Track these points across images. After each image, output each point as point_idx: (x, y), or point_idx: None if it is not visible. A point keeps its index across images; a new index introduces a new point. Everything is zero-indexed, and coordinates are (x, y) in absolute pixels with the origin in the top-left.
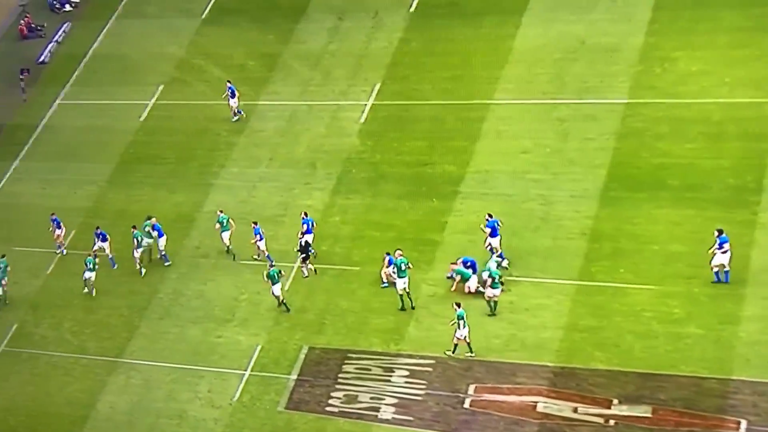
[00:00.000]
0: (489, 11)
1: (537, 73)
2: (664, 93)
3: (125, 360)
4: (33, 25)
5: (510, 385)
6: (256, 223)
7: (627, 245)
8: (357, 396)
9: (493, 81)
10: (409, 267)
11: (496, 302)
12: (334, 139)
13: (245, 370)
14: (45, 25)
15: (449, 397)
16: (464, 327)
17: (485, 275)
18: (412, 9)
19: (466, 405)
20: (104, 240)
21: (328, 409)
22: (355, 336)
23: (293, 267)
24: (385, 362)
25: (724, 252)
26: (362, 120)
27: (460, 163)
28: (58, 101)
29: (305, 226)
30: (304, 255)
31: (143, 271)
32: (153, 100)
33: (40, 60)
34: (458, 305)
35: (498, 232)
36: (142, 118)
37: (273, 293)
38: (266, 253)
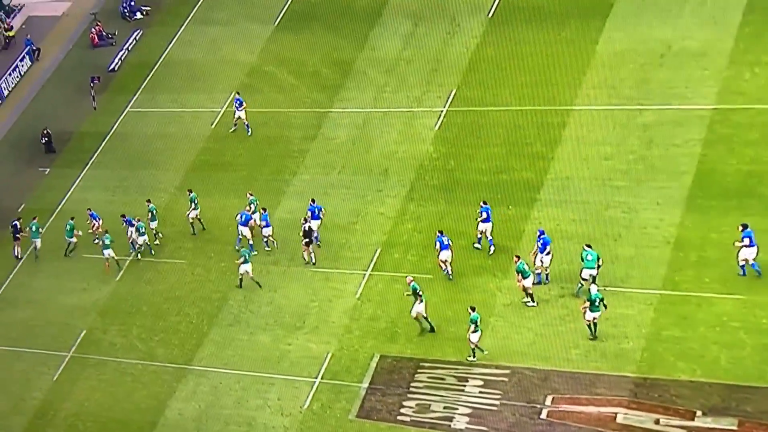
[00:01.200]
0: (571, 15)
1: (621, 78)
2: (753, 98)
3: (194, 367)
4: (104, 33)
5: (589, 396)
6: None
7: (713, 254)
8: (430, 405)
9: (574, 86)
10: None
11: (596, 324)
12: (408, 145)
13: (316, 378)
14: (116, 33)
15: (525, 407)
16: (476, 331)
17: (588, 296)
18: (491, 14)
19: (543, 416)
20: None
21: (399, 418)
22: (428, 345)
23: (365, 275)
24: (459, 372)
25: (750, 246)
26: (437, 126)
27: (538, 170)
28: (128, 109)
29: (310, 213)
30: (307, 240)
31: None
32: (224, 107)
33: (111, 68)
34: (473, 309)
35: (491, 218)
36: (213, 126)
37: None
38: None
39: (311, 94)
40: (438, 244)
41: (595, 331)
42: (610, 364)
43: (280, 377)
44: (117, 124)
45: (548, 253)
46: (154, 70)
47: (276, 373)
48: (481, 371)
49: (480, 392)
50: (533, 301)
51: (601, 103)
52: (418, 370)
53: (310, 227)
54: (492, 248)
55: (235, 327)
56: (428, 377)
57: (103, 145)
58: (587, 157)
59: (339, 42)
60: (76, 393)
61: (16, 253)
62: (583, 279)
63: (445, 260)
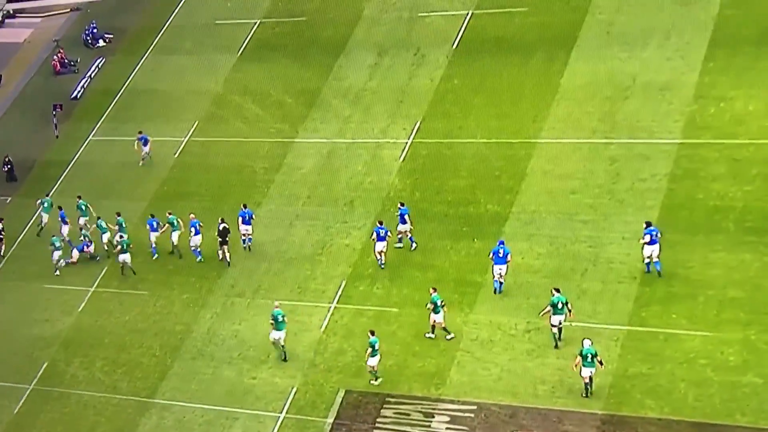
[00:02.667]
0: (536, 47)
1: (587, 111)
2: (720, 133)
3: (158, 400)
4: (66, 60)
5: None
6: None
7: (681, 290)
8: None
9: (540, 119)
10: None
11: (591, 380)
12: (374, 177)
13: (281, 413)
14: (79, 60)
15: None
16: (374, 355)
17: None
18: (455, 46)
19: None
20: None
21: None
22: (395, 379)
23: (330, 308)
24: (426, 407)
25: (651, 243)
26: (402, 158)
27: (504, 203)
28: (91, 137)
29: (241, 218)
30: (221, 239)
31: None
32: (188, 137)
33: (74, 95)
34: (372, 333)
35: (407, 219)
36: (177, 155)
37: None
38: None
39: (276, 124)
40: (375, 234)
41: (591, 389)
42: (577, 401)
43: (245, 412)
44: (80, 152)
45: (506, 263)
46: (117, 99)
47: (240, 407)
48: (448, 407)
49: (447, 428)
50: (432, 333)
51: (567, 136)
52: (384, 406)
53: (225, 227)
54: (413, 244)
55: (198, 360)
56: (394, 413)
57: (65, 173)
58: (553, 190)
59: (304, 72)
60: (38, 426)
61: None
62: (552, 325)
63: (381, 251)
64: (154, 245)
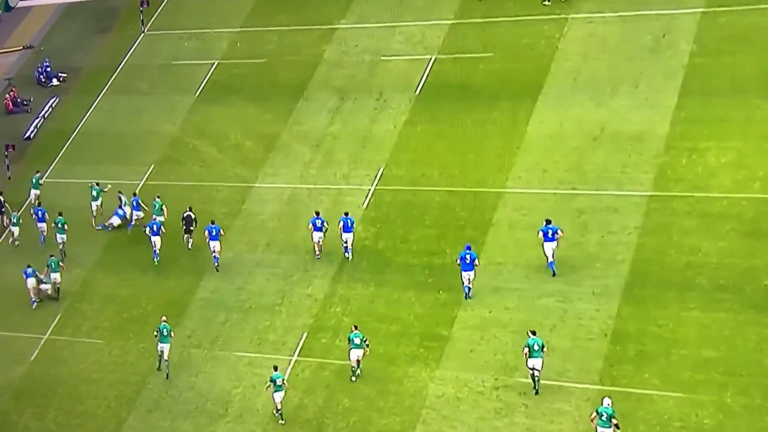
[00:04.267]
0: (501, 95)
1: (553, 161)
2: (692, 186)
3: None
4: (19, 100)
5: None
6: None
7: (653, 348)
8: None
9: (506, 168)
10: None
11: None
12: (335, 224)
13: None
14: (32, 99)
15: None
16: (277, 391)
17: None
18: (418, 92)
19: None
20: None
21: None
22: None
23: (290, 360)
24: None
25: (548, 240)
26: (365, 205)
27: None
28: (44, 179)
29: (207, 232)
30: (185, 228)
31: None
32: (144, 180)
33: (27, 136)
34: (275, 368)
35: (352, 229)
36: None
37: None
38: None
39: (234, 167)
40: (311, 225)
41: None
42: None
43: None
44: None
45: (474, 269)
46: (71, 140)
47: None
48: None
49: None
50: (354, 375)
51: (533, 186)
52: None
53: (189, 216)
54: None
55: (155, 413)
56: None
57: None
58: (520, 242)
59: (263, 115)
60: None
61: None
62: (529, 368)
63: (317, 241)
64: None
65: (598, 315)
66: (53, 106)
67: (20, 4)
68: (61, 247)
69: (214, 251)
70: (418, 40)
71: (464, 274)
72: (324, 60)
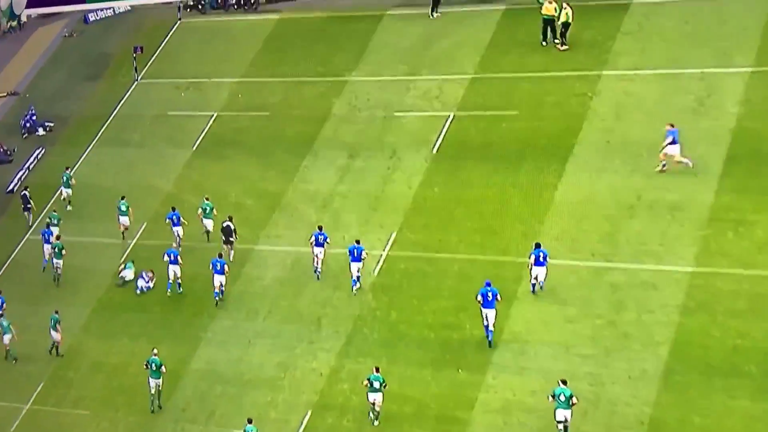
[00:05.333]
0: (526, 156)
1: (584, 230)
2: (739, 262)
3: None
4: (2, 150)
5: None
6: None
7: None
8: None
9: (531, 236)
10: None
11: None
12: (344, 292)
13: None
14: (15, 149)
15: None
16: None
17: None
18: (436, 150)
19: None
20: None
21: None
22: None
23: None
24: None
25: (537, 265)
26: (376, 272)
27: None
28: (28, 236)
29: (212, 266)
30: (225, 239)
31: None
32: (135, 240)
33: (9, 189)
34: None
35: (360, 258)
36: (123, 259)
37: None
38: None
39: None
40: (313, 239)
41: None
42: None
43: None
44: (16, 251)
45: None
46: (57, 194)
47: None
48: None
49: None
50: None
51: (562, 257)
52: None
53: (228, 226)
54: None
55: None
56: None
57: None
58: (548, 318)
59: (266, 172)
60: None
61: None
62: (558, 421)
63: (318, 255)
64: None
65: (634, 402)
66: (38, 157)
67: (26, 11)
68: (57, 272)
69: (220, 285)
70: (435, 95)
71: (484, 311)
72: (333, 114)
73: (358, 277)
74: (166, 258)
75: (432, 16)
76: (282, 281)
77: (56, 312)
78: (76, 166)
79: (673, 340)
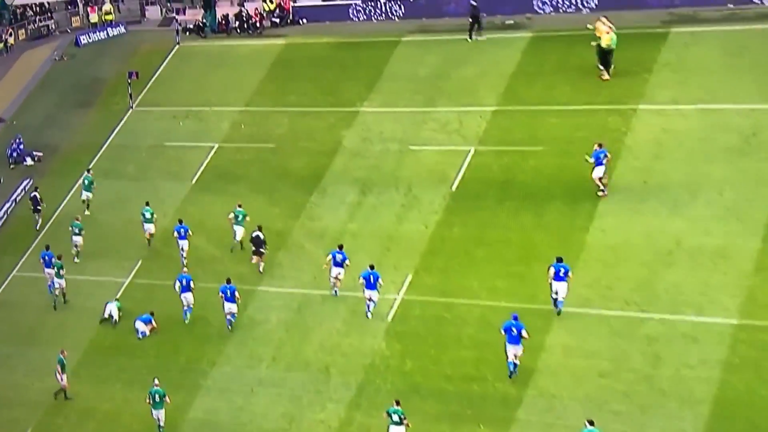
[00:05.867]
0: (554, 196)
1: (618, 278)
2: None
3: None
4: None
5: None
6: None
7: None
8: None
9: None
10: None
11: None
12: (354, 338)
13: None
14: (2, 180)
15: None
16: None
17: None
18: (454, 188)
19: None
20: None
21: None
22: None
23: None
24: None
25: (559, 280)
26: (390, 317)
27: (518, 383)
28: (14, 273)
29: (222, 294)
30: (255, 249)
31: None
32: (130, 278)
33: None
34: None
35: (376, 286)
36: (116, 299)
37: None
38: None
39: (235, 267)
40: (330, 257)
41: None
42: None
43: None
44: (1, 289)
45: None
46: (46, 228)
47: None
48: None
49: None
50: None
51: (593, 306)
52: None
53: (258, 236)
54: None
55: None
56: None
57: None
58: (578, 371)
59: (270, 208)
60: None
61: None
62: None
63: (336, 276)
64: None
65: None
66: (26, 188)
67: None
68: (57, 293)
69: (229, 312)
70: (454, 128)
71: (510, 348)
72: (343, 147)
73: (368, 306)
74: (177, 285)
75: (471, 39)
76: (287, 325)
77: (62, 353)
78: (66, 199)
79: (714, 399)
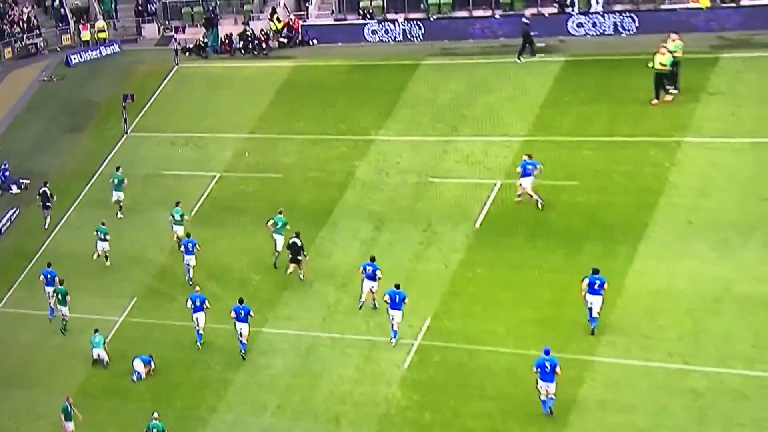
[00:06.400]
0: (589, 235)
1: (660, 326)
2: None
3: None
4: None
5: None
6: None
7: None
8: None
9: (596, 331)
10: None
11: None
12: (367, 386)
13: None
14: None
15: None
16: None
17: None
18: (479, 224)
19: None
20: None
21: None
22: None
23: None
24: None
25: (592, 293)
26: (406, 364)
27: None
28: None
29: (235, 313)
30: (291, 257)
31: None
32: (123, 316)
33: None
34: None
35: (401, 306)
36: (108, 340)
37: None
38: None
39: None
40: (362, 270)
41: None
42: None
43: None
44: None
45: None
46: (33, 262)
47: None
48: None
49: None
50: None
51: (632, 357)
52: None
53: (295, 243)
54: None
55: None
56: None
57: None
58: (615, 428)
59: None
60: None
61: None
62: None
63: (370, 289)
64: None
65: None
66: (12, 219)
67: None
68: (64, 321)
69: (241, 334)
70: (478, 159)
71: (543, 385)
72: (356, 179)
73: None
74: (189, 304)
75: (520, 60)
76: (294, 371)
77: (68, 400)
78: (55, 230)
79: None
